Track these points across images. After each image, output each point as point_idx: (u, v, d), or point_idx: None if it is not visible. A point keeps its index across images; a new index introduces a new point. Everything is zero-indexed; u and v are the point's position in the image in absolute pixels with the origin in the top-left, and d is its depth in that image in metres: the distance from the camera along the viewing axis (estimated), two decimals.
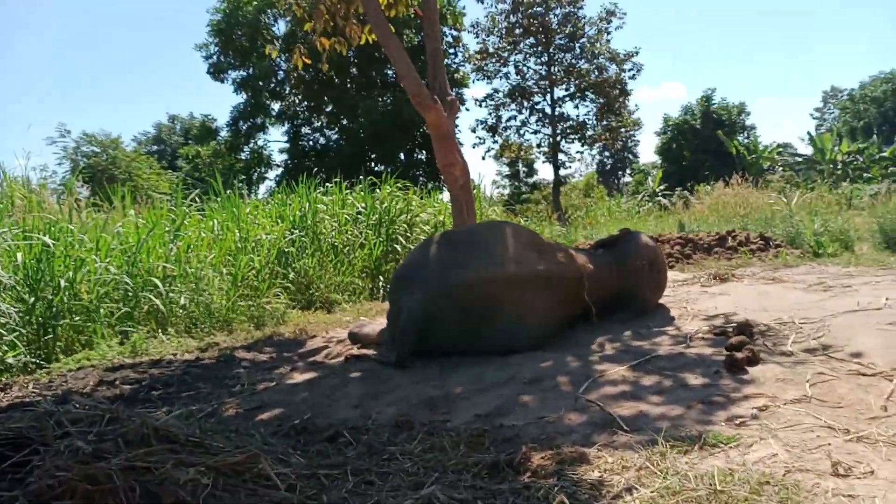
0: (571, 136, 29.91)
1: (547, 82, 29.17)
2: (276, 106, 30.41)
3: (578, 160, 35.17)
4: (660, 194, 28.98)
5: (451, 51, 28.82)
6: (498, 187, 37.66)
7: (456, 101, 7.11)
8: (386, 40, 6.49)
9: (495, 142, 30.33)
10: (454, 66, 28.95)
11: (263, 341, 5.51)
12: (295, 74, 27.49)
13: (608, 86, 28.43)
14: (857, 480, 2.15)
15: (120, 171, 27.03)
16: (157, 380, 4.13)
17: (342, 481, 2.41)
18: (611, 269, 5.12)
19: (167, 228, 6.70)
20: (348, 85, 29.83)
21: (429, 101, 6.39)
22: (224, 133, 31.29)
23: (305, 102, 30.03)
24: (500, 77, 29.64)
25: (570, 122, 29.59)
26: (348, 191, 9.99)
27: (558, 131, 29.48)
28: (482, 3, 29.20)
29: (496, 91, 29.85)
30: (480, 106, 29.86)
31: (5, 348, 4.64)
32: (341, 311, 7.20)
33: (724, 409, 3.03)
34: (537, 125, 30.01)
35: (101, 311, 5.36)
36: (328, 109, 30.39)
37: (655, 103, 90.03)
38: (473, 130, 30.62)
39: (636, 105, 38.20)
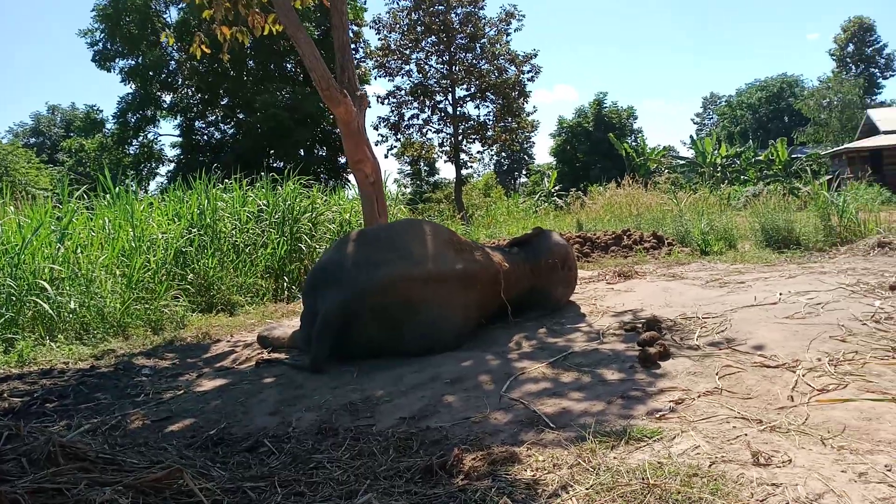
0: (472, 136, 30.29)
1: (448, 81, 29.39)
2: (167, 97, 28.98)
3: (479, 160, 35.58)
4: (555, 194, 29.93)
5: (352, 46, 28.41)
6: (400, 186, 37.69)
7: (366, 95, 6.99)
8: (294, 31, 6.27)
9: (398, 140, 30.24)
10: (355, 61, 28.56)
11: (164, 347, 5.20)
12: (188, 65, 26.23)
13: (508, 87, 28.99)
14: (777, 469, 2.26)
15: None
16: (51, 391, 3.79)
17: (270, 494, 2.28)
18: (525, 267, 5.20)
19: (53, 227, 6.17)
20: (245, 77, 28.82)
21: (338, 96, 6.24)
22: (111, 125, 29.48)
23: (199, 95, 28.76)
24: (402, 75, 29.58)
25: (472, 122, 29.96)
26: (249, 187, 9.62)
27: (460, 131, 29.76)
28: None
29: (398, 88, 29.77)
30: (382, 103, 29.66)
31: None
32: (244, 313, 6.93)
33: (643, 403, 3.12)
34: (439, 124, 30.17)
35: None
36: (224, 102, 29.27)
37: (548, 106, 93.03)
38: (376, 128, 30.40)
39: (534, 107, 39.13)
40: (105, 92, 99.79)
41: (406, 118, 30.08)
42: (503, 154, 52.39)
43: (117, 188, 8.11)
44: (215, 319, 6.48)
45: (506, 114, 29.65)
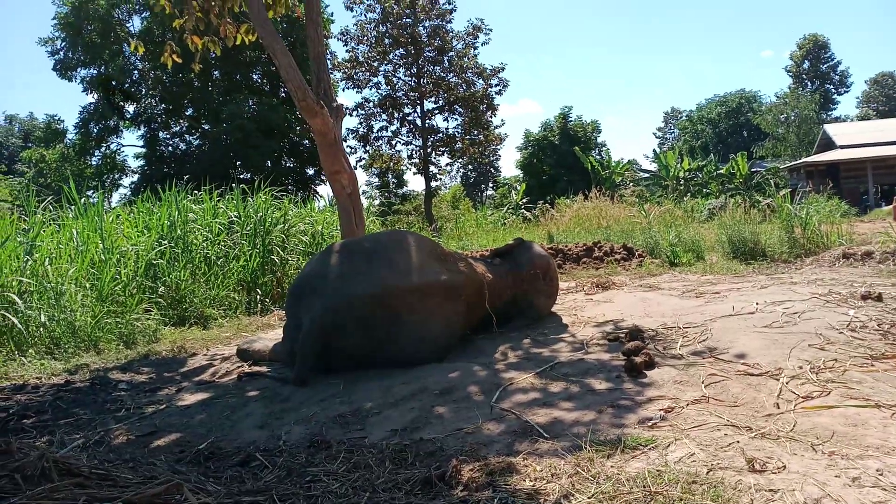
0: (441, 149, 30.40)
1: (417, 94, 29.48)
2: (130, 108, 28.47)
3: (447, 172, 35.70)
4: (522, 207, 30.16)
5: None
6: (369, 198, 37.51)
7: (342, 106, 6.96)
8: (271, 41, 6.23)
9: (366, 151, 30.19)
10: None
11: (139, 361, 5.07)
12: (152, 75, 25.83)
13: (476, 100, 29.21)
14: (773, 475, 2.30)
15: None
16: (27, 407, 3.66)
17: None
18: (507, 277, 5.22)
19: (21, 240, 5.99)
20: (210, 88, 28.48)
21: (315, 107, 6.20)
22: (72, 135, 28.81)
23: (164, 105, 28.30)
24: (370, 87, 29.60)
25: (440, 135, 30.07)
26: (219, 199, 9.48)
27: (429, 143, 29.85)
28: (351, 10, 29.04)
29: (366, 100, 29.77)
30: (351, 115, 29.60)
31: None
32: (218, 326, 6.81)
33: (633, 412, 3.14)
34: (408, 136, 30.22)
35: None
36: (189, 113, 28.85)
37: (512, 119, 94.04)
38: (345, 139, 30.29)
39: (502, 120, 39.49)
40: (66, 101, 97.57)
41: (375, 130, 30.08)
42: (470, 167, 52.71)
43: (83, 199, 7.92)
44: (189, 333, 6.36)
45: (473, 126, 29.86)
